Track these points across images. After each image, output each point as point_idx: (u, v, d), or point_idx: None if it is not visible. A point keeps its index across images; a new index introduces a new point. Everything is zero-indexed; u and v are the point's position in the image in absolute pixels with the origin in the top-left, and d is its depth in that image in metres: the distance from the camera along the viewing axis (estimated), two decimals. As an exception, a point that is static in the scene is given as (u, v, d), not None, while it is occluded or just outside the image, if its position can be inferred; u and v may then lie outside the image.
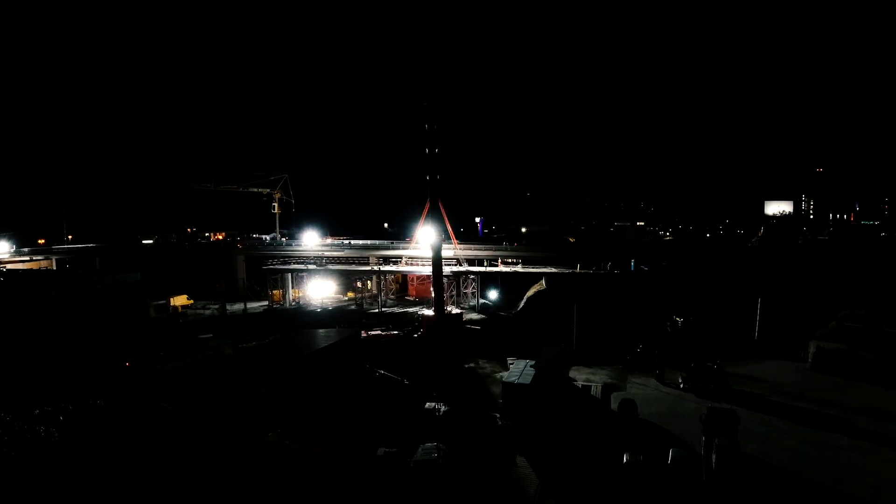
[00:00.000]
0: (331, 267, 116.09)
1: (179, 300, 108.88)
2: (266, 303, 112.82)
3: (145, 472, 36.14)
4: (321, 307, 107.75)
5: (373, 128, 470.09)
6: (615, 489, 36.67)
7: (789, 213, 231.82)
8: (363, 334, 75.58)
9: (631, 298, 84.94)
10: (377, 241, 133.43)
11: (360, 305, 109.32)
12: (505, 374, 55.80)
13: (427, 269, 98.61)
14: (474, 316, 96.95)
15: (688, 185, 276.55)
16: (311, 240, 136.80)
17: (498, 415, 48.48)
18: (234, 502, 34.43)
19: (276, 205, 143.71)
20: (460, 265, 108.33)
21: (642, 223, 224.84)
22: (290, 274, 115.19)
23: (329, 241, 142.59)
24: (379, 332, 79.81)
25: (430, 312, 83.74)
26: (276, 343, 68.48)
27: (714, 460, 37.74)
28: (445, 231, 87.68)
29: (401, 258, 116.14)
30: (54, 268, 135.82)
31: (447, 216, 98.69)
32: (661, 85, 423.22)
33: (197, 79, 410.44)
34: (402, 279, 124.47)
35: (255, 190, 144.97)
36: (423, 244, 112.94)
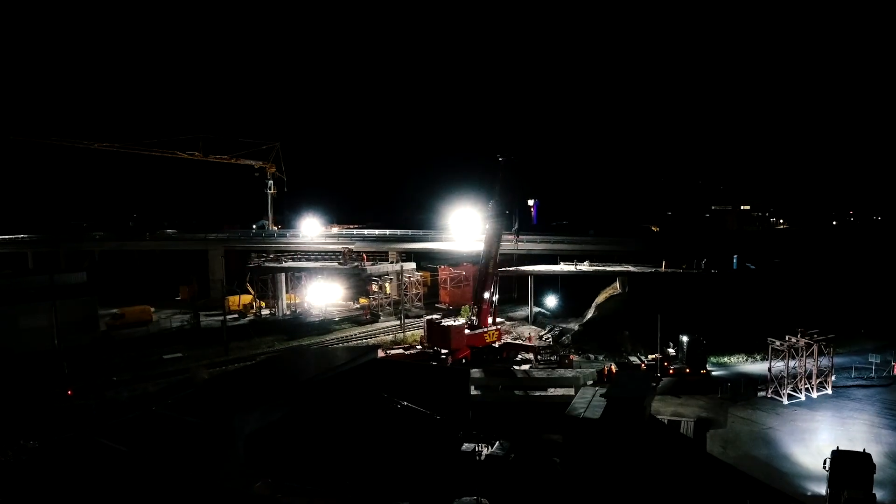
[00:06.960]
0: (337, 265, 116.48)
1: (139, 309, 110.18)
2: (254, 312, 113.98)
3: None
4: (324, 317, 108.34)
5: (394, 81, 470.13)
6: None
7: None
8: (380, 353, 75.71)
9: (733, 307, 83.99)
10: (398, 231, 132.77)
11: (375, 315, 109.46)
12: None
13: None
14: (526, 329, 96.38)
15: (807, 160, 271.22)
16: (311, 229, 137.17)
17: (558, 459, 48.13)
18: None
19: (271, 182, 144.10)
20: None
21: (748, 207, 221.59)
22: (283, 274, 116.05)
23: (335, 230, 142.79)
24: (401, 350, 79.93)
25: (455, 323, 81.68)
26: (266, 365, 68.97)
27: None
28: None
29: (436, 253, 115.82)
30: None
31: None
32: (773, 34, 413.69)
33: (164, 24, 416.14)
34: (432, 281, 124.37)
35: (248, 162, 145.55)
36: (460, 236, 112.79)
